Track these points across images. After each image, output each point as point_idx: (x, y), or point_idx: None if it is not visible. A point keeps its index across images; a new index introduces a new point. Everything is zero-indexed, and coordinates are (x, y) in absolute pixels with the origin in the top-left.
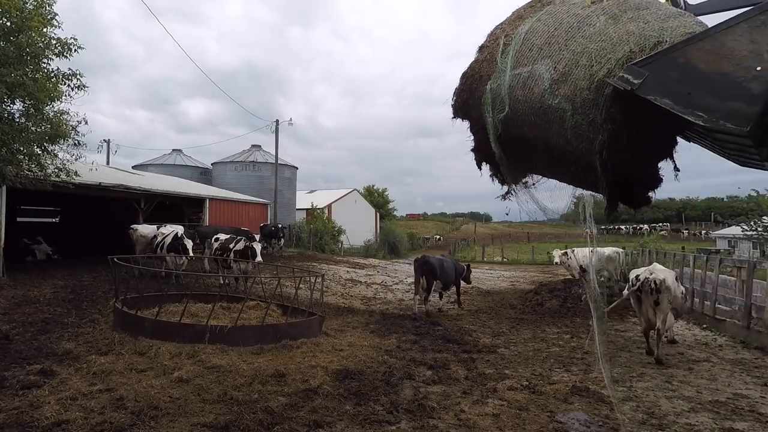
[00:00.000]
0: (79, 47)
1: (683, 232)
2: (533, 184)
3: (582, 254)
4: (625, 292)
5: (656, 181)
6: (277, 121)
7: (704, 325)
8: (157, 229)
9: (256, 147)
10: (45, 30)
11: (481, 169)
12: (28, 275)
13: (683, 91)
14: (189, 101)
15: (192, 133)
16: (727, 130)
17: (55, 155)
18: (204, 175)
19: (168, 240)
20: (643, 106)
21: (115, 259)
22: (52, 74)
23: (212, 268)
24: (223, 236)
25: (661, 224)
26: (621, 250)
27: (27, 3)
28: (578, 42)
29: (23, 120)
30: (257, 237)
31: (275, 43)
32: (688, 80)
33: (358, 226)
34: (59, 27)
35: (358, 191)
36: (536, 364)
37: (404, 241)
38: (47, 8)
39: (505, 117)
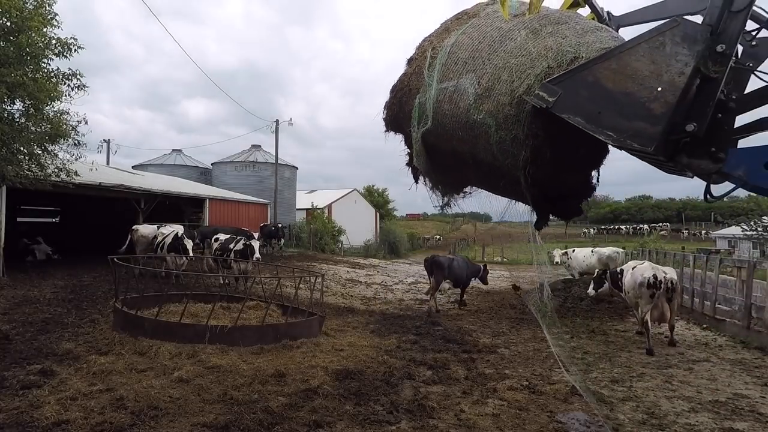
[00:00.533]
0: (79, 47)
1: (683, 232)
2: (470, 193)
3: (582, 254)
4: (591, 291)
5: (589, 189)
6: (277, 121)
7: (704, 325)
8: (157, 229)
9: (256, 147)
10: (45, 30)
11: (417, 182)
12: (28, 275)
13: (594, 110)
14: (189, 101)
15: (192, 133)
16: (634, 149)
17: (55, 155)
18: (204, 175)
19: (168, 240)
20: (564, 121)
21: (115, 259)
22: (52, 74)
23: (212, 268)
24: (223, 236)
25: (661, 224)
26: (621, 250)
27: (27, 3)
28: (500, 56)
29: (23, 120)
30: (255, 235)
31: (275, 43)
32: (597, 99)
33: (358, 226)
34: (59, 27)
35: (358, 191)
36: (536, 364)
37: (404, 241)
38: (47, 8)
39: (433, 131)
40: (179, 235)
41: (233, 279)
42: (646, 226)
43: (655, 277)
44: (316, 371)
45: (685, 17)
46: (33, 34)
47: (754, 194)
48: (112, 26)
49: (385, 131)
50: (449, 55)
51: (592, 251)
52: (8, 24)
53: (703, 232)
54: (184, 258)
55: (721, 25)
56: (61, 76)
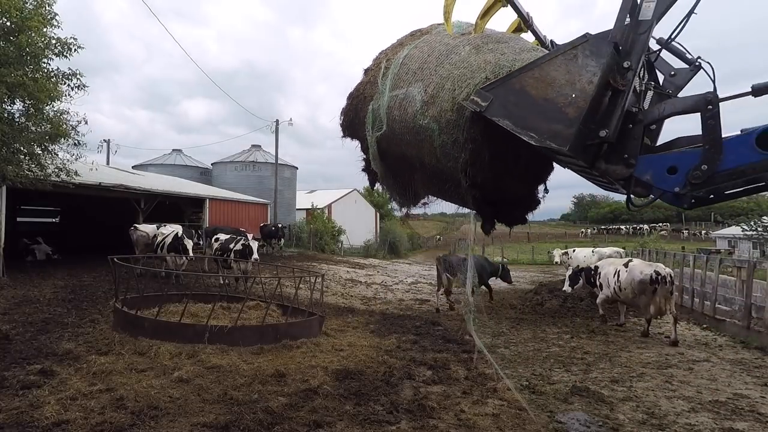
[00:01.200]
0: (79, 47)
1: (683, 232)
2: (427, 203)
3: (583, 254)
4: (567, 288)
5: (534, 202)
6: (277, 121)
7: (704, 325)
8: (157, 229)
9: (256, 147)
10: (45, 30)
11: (373, 187)
12: (28, 275)
13: (520, 113)
14: (189, 101)
15: (192, 133)
16: (552, 149)
17: (55, 155)
18: (204, 175)
19: (168, 240)
20: (501, 128)
21: (115, 259)
22: (52, 74)
23: (212, 268)
24: (223, 236)
25: (661, 224)
26: (621, 250)
27: (27, 3)
28: (446, 68)
29: (23, 120)
30: (250, 236)
31: (275, 43)
32: (523, 104)
33: (358, 226)
34: (59, 27)
35: (358, 191)
36: (536, 364)
37: (404, 241)
38: (47, 8)
39: (384, 136)
40: (179, 235)
41: (233, 279)
42: (646, 226)
43: (657, 272)
44: (316, 371)
45: (594, 34)
46: (33, 34)
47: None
48: (112, 26)
49: (342, 137)
50: (401, 66)
51: (592, 251)
52: (8, 24)
53: (703, 232)
54: (184, 258)
55: (627, 45)
56: (61, 76)
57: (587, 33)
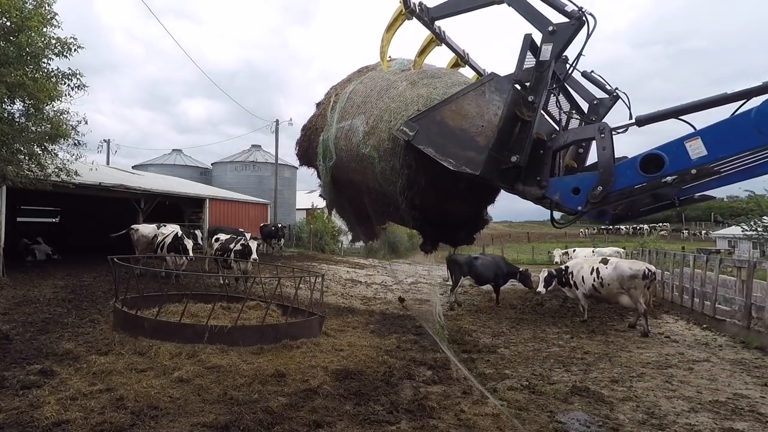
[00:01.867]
0: (79, 47)
1: (683, 232)
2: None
3: (583, 254)
4: (542, 290)
5: (481, 223)
6: (277, 121)
7: (704, 325)
8: (157, 229)
9: (256, 147)
10: (45, 30)
11: (330, 214)
12: (28, 275)
13: (441, 142)
14: (189, 101)
15: (192, 133)
16: (467, 173)
17: (55, 155)
18: (204, 175)
19: (168, 240)
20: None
21: (115, 259)
22: (52, 74)
23: (212, 268)
24: (223, 236)
25: (661, 224)
26: (621, 250)
27: (27, 3)
28: (384, 101)
29: (23, 120)
30: (248, 235)
31: (275, 43)
32: (443, 134)
33: None
34: (59, 27)
35: None
36: (536, 364)
37: (404, 240)
38: (47, 8)
39: (334, 163)
40: (179, 235)
41: (233, 279)
42: (646, 226)
43: (648, 268)
44: (316, 371)
45: (498, 74)
46: (33, 34)
47: (751, 193)
48: (112, 26)
49: (300, 165)
50: (347, 100)
51: (593, 251)
52: (8, 24)
53: (703, 232)
54: (184, 258)
55: (532, 81)
56: (60, 76)
57: (493, 72)
